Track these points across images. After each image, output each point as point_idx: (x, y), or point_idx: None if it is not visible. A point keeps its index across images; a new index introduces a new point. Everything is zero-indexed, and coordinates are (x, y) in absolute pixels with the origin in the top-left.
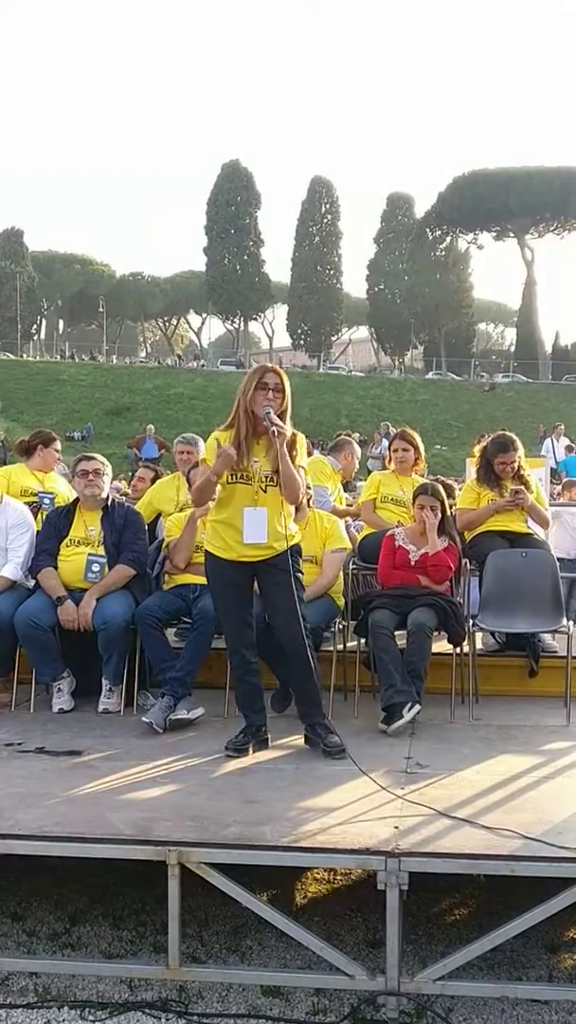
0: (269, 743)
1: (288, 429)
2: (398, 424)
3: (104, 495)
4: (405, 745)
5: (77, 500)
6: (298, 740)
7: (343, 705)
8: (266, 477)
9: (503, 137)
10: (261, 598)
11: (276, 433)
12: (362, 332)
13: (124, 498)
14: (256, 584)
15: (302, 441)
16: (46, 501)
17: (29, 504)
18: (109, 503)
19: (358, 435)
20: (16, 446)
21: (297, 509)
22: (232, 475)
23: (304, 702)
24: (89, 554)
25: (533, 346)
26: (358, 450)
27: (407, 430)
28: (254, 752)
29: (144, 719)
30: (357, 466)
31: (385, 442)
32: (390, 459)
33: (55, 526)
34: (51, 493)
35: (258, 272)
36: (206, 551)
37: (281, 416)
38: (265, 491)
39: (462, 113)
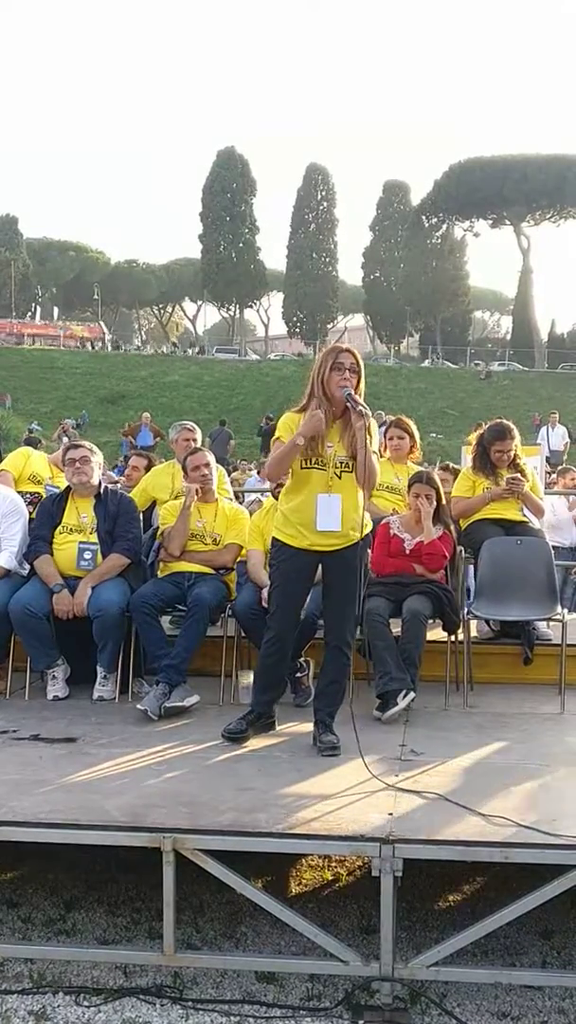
0: (275, 726)
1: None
2: (393, 412)
3: (95, 481)
4: (400, 732)
5: (70, 488)
6: (293, 727)
7: None
8: (341, 463)
9: (499, 125)
10: (323, 586)
11: (361, 413)
12: (358, 320)
13: (118, 484)
14: (320, 573)
15: (374, 426)
16: (52, 493)
17: (33, 493)
18: (101, 490)
19: None
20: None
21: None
22: (306, 460)
23: (322, 694)
24: (80, 542)
25: (529, 334)
26: None
27: (402, 418)
28: (256, 737)
29: (139, 706)
30: None
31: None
32: (385, 447)
33: (49, 514)
34: (58, 488)
35: (253, 259)
36: (274, 538)
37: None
38: (340, 477)
39: (458, 101)
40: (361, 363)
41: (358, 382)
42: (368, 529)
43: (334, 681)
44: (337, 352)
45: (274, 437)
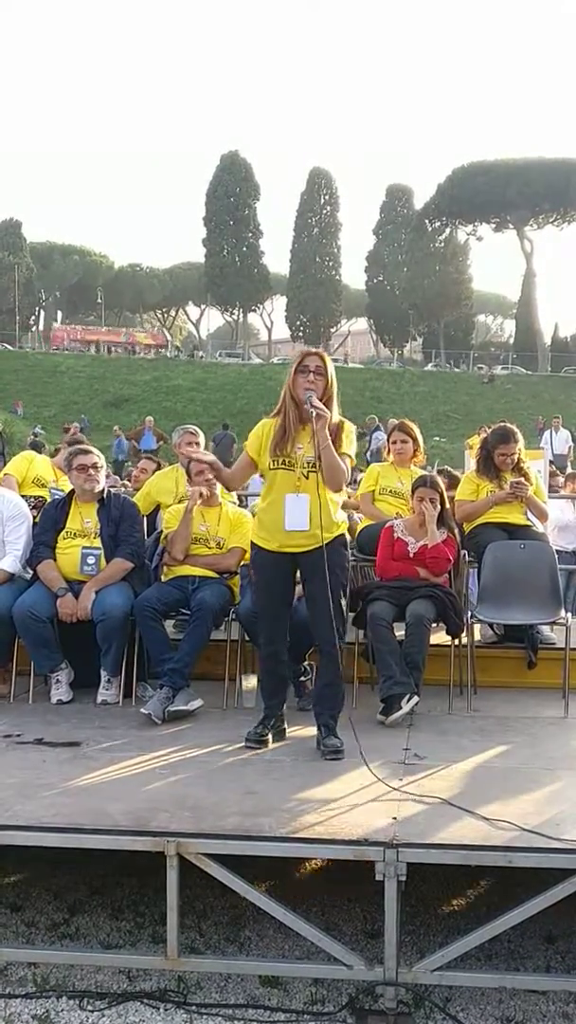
0: (286, 734)
1: (334, 414)
2: (396, 416)
3: (101, 488)
4: (403, 736)
5: (73, 492)
6: (297, 732)
7: None
8: (308, 463)
9: (502, 129)
10: (303, 589)
11: (316, 416)
12: (361, 324)
13: (124, 488)
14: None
15: (349, 428)
16: (57, 496)
17: (37, 497)
18: (105, 495)
19: (356, 427)
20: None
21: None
22: (275, 461)
23: (320, 697)
24: (83, 547)
25: (532, 338)
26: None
27: (406, 422)
28: (273, 742)
29: (143, 710)
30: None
31: (379, 436)
32: (388, 451)
33: (52, 518)
34: (62, 491)
35: (257, 263)
36: (252, 542)
37: (327, 402)
38: (307, 477)
39: (461, 105)
40: (329, 365)
41: (326, 384)
42: (343, 530)
43: (329, 683)
44: (303, 355)
45: (246, 443)
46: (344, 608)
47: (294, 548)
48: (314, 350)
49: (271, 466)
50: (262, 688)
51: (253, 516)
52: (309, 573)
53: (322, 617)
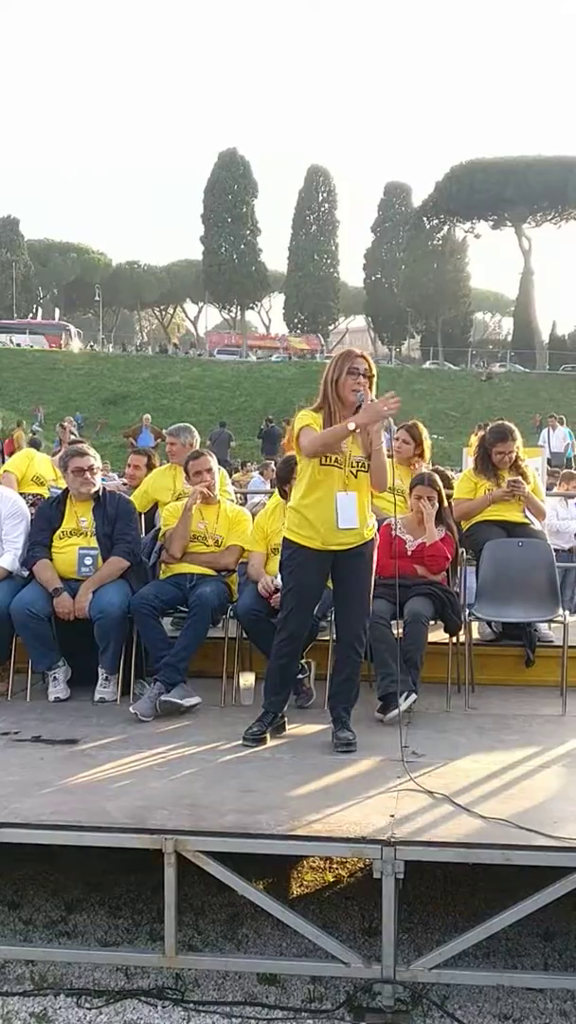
0: (286, 727)
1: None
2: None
3: (96, 489)
4: (401, 734)
5: (68, 491)
6: (296, 730)
7: None
8: (357, 462)
9: (501, 126)
10: (334, 585)
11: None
12: (359, 321)
13: (123, 484)
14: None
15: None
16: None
17: (36, 495)
18: (100, 493)
19: None
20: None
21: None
22: (324, 458)
23: (337, 692)
24: (80, 548)
25: (530, 335)
26: None
27: (417, 424)
28: (271, 739)
29: (131, 709)
30: None
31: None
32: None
33: (47, 517)
34: (61, 489)
35: (255, 261)
36: (287, 539)
37: None
38: (356, 476)
39: (460, 103)
40: (374, 368)
41: (370, 386)
42: (374, 529)
43: (348, 679)
44: (353, 358)
45: (303, 425)
46: (371, 602)
47: (338, 546)
48: (358, 351)
49: (322, 462)
50: (270, 685)
51: (253, 516)
52: (348, 571)
53: (354, 613)
